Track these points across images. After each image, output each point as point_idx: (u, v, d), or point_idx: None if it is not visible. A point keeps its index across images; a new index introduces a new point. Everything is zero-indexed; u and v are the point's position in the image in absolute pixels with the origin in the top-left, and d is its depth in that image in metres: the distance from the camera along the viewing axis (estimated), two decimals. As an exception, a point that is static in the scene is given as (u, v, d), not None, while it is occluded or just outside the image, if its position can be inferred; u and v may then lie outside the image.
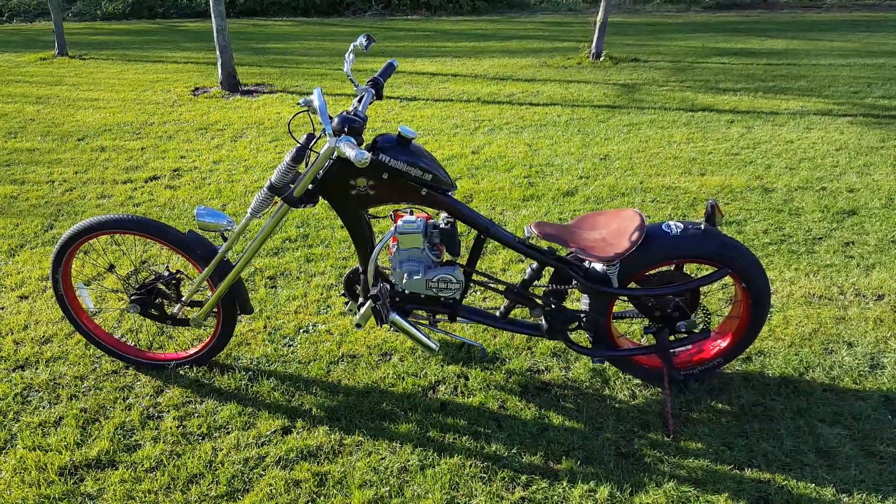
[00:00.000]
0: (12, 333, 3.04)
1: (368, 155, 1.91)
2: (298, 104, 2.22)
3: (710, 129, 5.77)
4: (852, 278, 3.31)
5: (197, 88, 8.04)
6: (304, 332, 3.01)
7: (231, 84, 7.88)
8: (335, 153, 2.21)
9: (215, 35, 7.69)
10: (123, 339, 2.95)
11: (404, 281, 2.37)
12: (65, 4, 16.21)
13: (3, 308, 3.26)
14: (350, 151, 1.93)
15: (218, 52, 7.76)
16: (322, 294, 3.31)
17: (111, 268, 2.69)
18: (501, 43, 10.80)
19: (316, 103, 2.09)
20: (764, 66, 8.33)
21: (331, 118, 2.14)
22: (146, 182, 4.92)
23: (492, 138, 5.70)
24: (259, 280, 3.45)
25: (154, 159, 5.41)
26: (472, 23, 13.63)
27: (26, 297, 3.36)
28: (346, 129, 2.09)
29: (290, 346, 2.92)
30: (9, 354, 2.88)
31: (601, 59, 8.91)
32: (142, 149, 5.70)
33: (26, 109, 7.17)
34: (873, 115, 6.03)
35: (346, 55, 2.40)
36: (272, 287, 3.40)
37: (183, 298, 2.61)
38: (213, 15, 7.63)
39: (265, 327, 3.05)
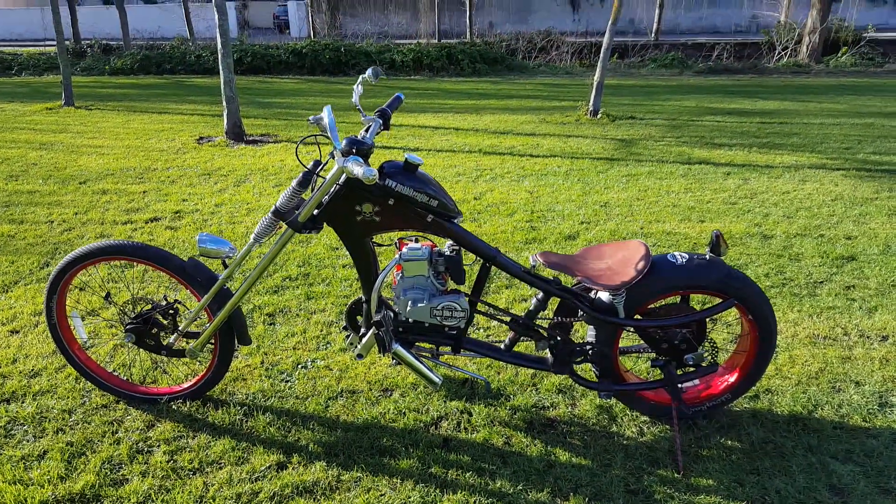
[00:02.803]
0: (0, 367, 2.96)
1: (376, 171, 1.91)
2: (308, 121, 2.23)
3: (708, 180, 5.84)
4: (855, 320, 3.28)
5: (202, 137, 8.15)
6: (302, 367, 2.94)
7: (236, 133, 7.99)
8: (342, 178, 2.21)
9: (222, 86, 7.85)
10: (115, 373, 2.87)
11: (408, 309, 2.33)
12: (74, 59, 16.61)
13: (-6, 341, 3.19)
14: (358, 169, 1.93)
15: (224, 103, 7.91)
16: (322, 331, 3.25)
17: (107, 296, 2.64)
18: (501, 101, 11.05)
19: (326, 121, 2.10)
20: (757, 124, 8.51)
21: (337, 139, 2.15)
22: (147, 223, 4.91)
23: (493, 186, 5.75)
24: (258, 316, 3.40)
25: (156, 202, 5.43)
26: (473, 83, 13.99)
27: (17, 332, 3.29)
28: (354, 150, 2.10)
29: (287, 381, 2.84)
30: (-3, 387, 2.80)
31: (598, 116, 9.10)
32: (143, 192, 5.72)
33: (29, 155, 7.23)
34: (866, 169, 6.12)
35: (355, 86, 2.44)
36: (271, 324, 3.34)
37: (180, 328, 2.56)
38: (220, 67, 7.80)
39: (262, 363, 2.98)
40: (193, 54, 16.37)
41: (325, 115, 2.09)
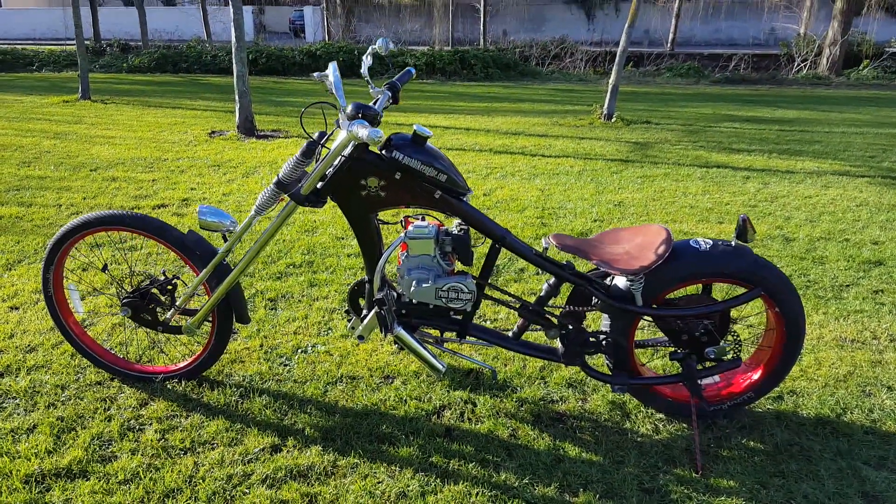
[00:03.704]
0: (-4, 342, 2.88)
1: (382, 133, 1.81)
2: (314, 77, 2.12)
3: (726, 183, 5.70)
4: (885, 324, 3.13)
5: (213, 131, 8.10)
6: (302, 352, 2.83)
7: (247, 128, 7.94)
8: (347, 149, 2.11)
9: (235, 80, 7.81)
10: (112, 350, 2.77)
11: (412, 289, 2.22)
12: (93, 57, 16.71)
13: (-10, 318, 3.11)
14: (363, 131, 1.82)
15: (237, 96, 7.86)
16: (324, 317, 3.15)
17: (105, 268, 2.55)
18: (513, 104, 10.95)
19: (331, 78, 2.00)
20: (776, 131, 8.35)
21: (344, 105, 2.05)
22: (154, 209, 4.84)
23: (504, 183, 5.63)
24: (259, 301, 3.30)
25: (164, 190, 5.36)
26: (485, 87, 13.92)
27: (17, 308, 3.21)
28: (360, 115, 1.99)
29: (286, 365, 2.74)
30: (-11, 361, 2.71)
31: (613, 119, 8.98)
32: (153, 180, 5.66)
33: (43, 143, 7.21)
34: (892, 176, 5.95)
35: (364, 57, 2.34)
36: (272, 308, 3.24)
37: (177, 303, 2.46)
38: (234, 61, 7.76)
39: (261, 346, 2.87)
40: (209, 54, 16.42)
41: (331, 72, 1.99)
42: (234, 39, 7.65)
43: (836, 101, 11.60)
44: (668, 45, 21.07)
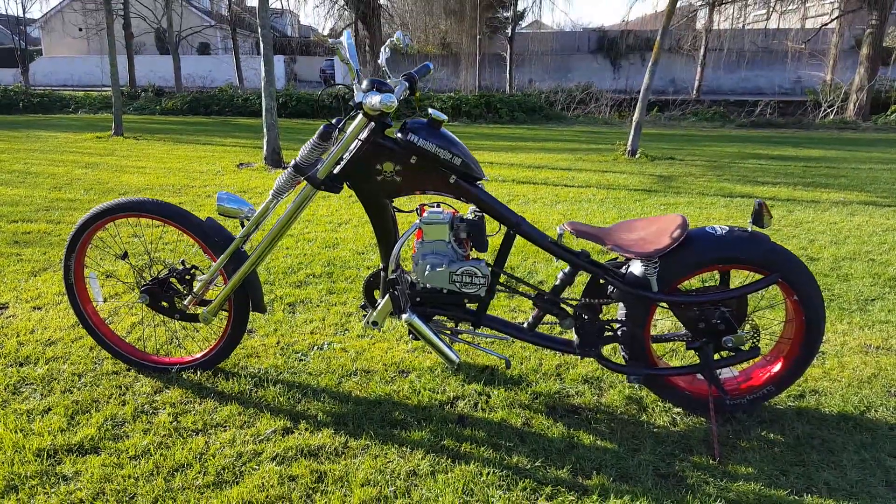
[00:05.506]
0: (18, 336, 2.93)
1: (395, 98, 1.85)
2: (328, 42, 2.17)
3: (750, 210, 5.65)
4: (913, 333, 3.04)
5: (241, 163, 8.31)
6: (318, 348, 2.84)
7: (274, 160, 8.14)
8: (364, 133, 2.16)
9: (264, 113, 8.05)
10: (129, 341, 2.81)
11: (426, 273, 2.22)
12: (127, 101, 17.37)
13: (14, 315, 3.18)
14: (376, 98, 1.87)
15: (265, 129, 8.09)
16: (341, 319, 3.16)
17: (125, 256, 2.61)
18: (538, 143, 11.08)
19: (345, 45, 2.05)
20: (802, 167, 8.31)
21: (360, 72, 2.11)
22: (179, 226, 4.94)
23: (526, 209, 5.66)
24: (278, 305, 3.33)
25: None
26: (510, 129, 14.13)
27: (40, 308, 3.28)
28: (374, 88, 2.05)
29: (302, 360, 2.74)
30: (10, 352, 2.76)
31: (637, 155, 9.03)
32: (179, 203, 5.80)
33: (74, 172, 7.46)
34: (919, 206, 5.86)
35: (383, 48, 2.41)
36: (291, 312, 3.26)
37: (194, 290, 2.49)
38: (263, 95, 8.02)
39: (278, 343, 2.89)
40: (241, 97, 16.97)
41: (345, 38, 2.05)
42: (263, 73, 7.92)
43: (863, 143, 11.53)
44: (694, 91, 21.27)
